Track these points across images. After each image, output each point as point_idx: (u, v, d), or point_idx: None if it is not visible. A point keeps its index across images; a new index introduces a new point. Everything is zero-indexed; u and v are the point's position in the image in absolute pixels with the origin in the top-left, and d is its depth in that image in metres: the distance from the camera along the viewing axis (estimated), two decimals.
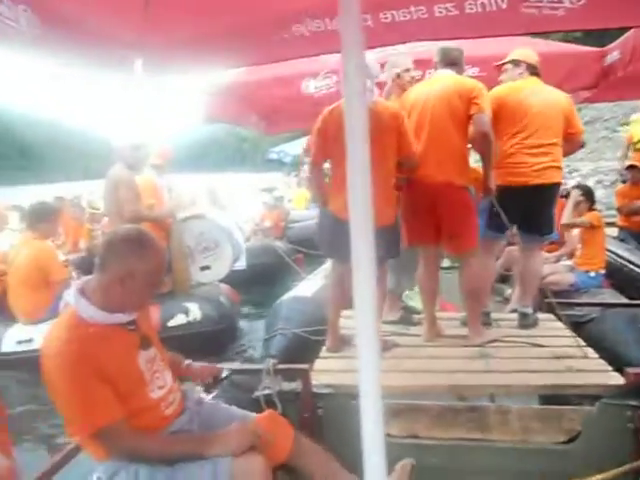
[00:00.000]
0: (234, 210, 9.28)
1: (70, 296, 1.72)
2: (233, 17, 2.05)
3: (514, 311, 3.79)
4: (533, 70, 3.55)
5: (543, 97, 3.44)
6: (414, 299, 4.14)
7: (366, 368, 1.29)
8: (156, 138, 5.39)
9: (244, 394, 2.60)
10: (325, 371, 2.96)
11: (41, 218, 4.85)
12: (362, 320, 1.29)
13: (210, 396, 2.26)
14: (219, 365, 2.29)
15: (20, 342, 4.72)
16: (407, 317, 3.79)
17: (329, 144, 3.05)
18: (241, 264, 6.06)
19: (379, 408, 1.30)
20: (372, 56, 3.20)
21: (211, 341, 4.69)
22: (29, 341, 4.64)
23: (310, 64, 3.87)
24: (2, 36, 1.54)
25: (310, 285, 4.90)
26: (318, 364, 3.08)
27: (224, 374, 2.11)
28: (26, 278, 4.72)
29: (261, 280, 7.02)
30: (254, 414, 2.05)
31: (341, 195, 3.02)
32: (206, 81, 4.48)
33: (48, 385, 1.63)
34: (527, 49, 3.61)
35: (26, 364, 4.55)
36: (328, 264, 5.36)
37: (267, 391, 2.50)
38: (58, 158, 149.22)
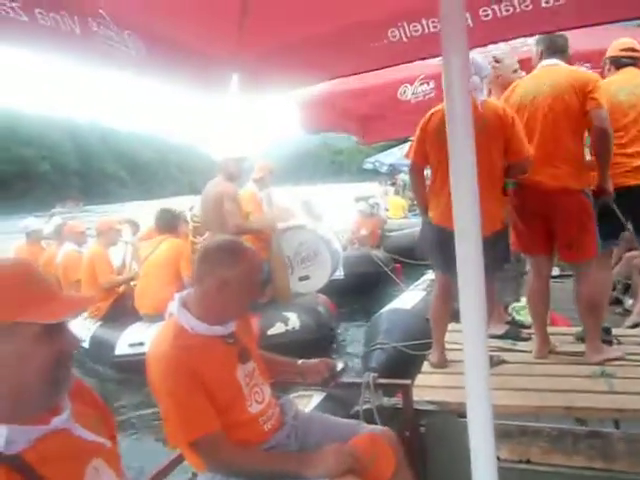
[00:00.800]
0: (330, 221, 9.33)
1: (173, 307, 1.76)
2: (327, 27, 2.03)
3: (636, 325, 3.44)
4: (618, 62, 3.27)
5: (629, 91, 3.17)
6: (521, 313, 3.89)
7: (475, 386, 1.21)
8: (256, 152, 5.55)
9: (342, 408, 2.55)
10: (428, 387, 2.83)
11: (168, 223, 5.20)
12: (470, 336, 1.21)
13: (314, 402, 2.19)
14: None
15: (132, 345, 4.99)
16: (514, 331, 3.56)
17: (427, 150, 2.96)
18: (339, 273, 6.05)
19: (490, 429, 1.20)
20: (478, 54, 3.05)
21: (309, 350, 4.73)
22: (140, 344, 4.89)
23: (406, 70, 3.79)
24: (113, 59, 1.63)
25: (411, 297, 4.79)
26: (420, 379, 2.96)
27: (338, 368, 2.06)
28: (159, 273, 4.98)
29: (358, 289, 6.97)
30: (352, 421, 1.99)
31: (440, 202, 2.93)
32: (303, 92, 4.54)
33: (153, 391, 1.68)
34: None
35: (136, 367, 4.82)
36: (430, 274, 5.23)
37: (367, 406, 2.44)
38: (165, 174, 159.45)
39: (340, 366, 2.08)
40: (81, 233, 6.10)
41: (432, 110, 3.00)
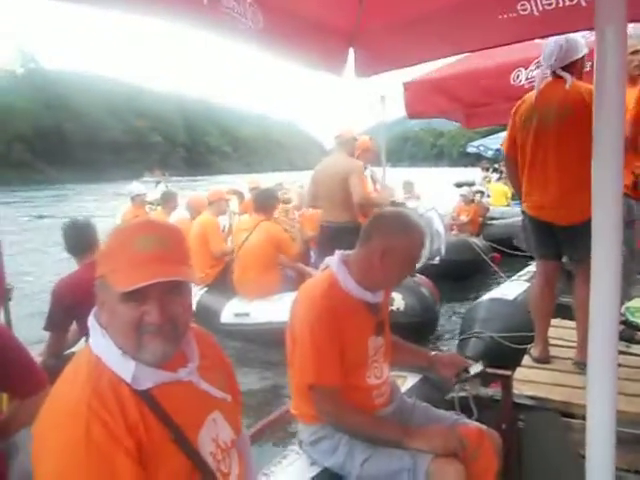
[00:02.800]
0: (429, 204, 9.15)
1: (332, 261, 1.85)
2: None
3: None
4: None
5: None
6: (636, 314, 3.61)
7: (599, 392, 1.13)
8: (358, 132, 5.53)
9: (437, 394, 2.51)
10: (528, 382, 2.72)
11: (266, 203, 5.30)
12: (599, 337, 1.12)
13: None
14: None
15: (237, 315, 5.17)
16: (629, 333, 3.32)
17: (518, 137, 2.87)
18: (438, 256, 5.91)
19: (611, 439, 1.13)
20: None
21: (412, 332, 4.72)
22: (246, 315, 5.08)
23: (521, 52, 3.60)
24: (232, 30, 1.66)
25: (513, 287, 4.59)
26: (520, 373, 2.85)
27: (472, 371, 2.03)
28: (259, 257, 5.11)
29: (454, 276, 6.80)
30: (455, 415, 1.96)
31: (533, 191, 2.85)
32: (411, 74, 4.45)
33: (293, 326, 1.80)
34: None
35: (240, 336, 5.03)
36: (533, 265, 4.99)
37: (463, 394, 2.38)
38: (266, 150, 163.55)
39: (479, 367, 2.04)
40: (223, 200, 6.32)
41: (524, 97, 2.90)
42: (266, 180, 7.43)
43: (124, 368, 1.03)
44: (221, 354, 1.32)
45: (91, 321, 1.11)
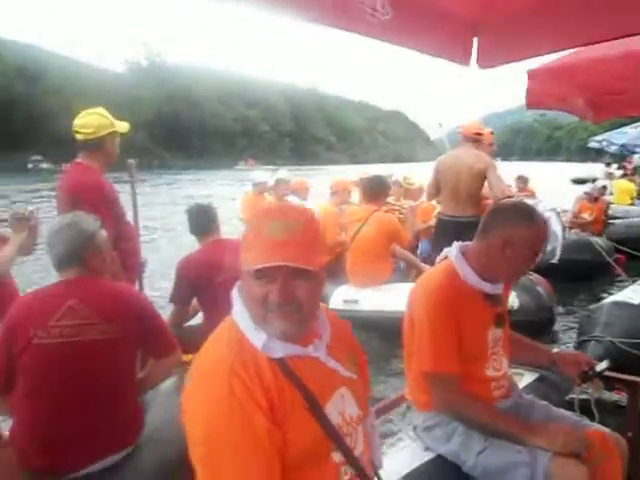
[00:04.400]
0: (545, 200, 8.66)
1: (451, 252, 1.85)
2: None
3: None
4: None
5: None
6: None
7: None
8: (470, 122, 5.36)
9: (556, 394, 2.41)
10: None
11: (377, 191, 5.25)
12: None
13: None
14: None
15: (346, 301, 5.18)
16: None
17: None
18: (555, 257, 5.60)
19: None
20: None
21: (525, 332, 4.56)
22: (355, 302, 5.09)
23: None
24: (359, 21, 1.67)
25: (638, 291, 4.26)
26: None
27: (598, 368, 1.95)
28: (372, 247, 5.08)
29: (573, 277, 6.40)
30: (575, 416, 1.88)
31: None
32: (536, 62, 4.21)
33: (412, 312, 1.82)
34: None
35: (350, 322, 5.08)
36: None
37: (584, 396, 2.27)
38: (371, 141, 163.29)
39: (603, 365, 1.95)
40: (306, 189, 6.51)
41: None
42: (376, 172, 7.36)
43: (257, 337, 1.12)
44: (355, 342, 1.37)
45: (234, 293, 1.21)
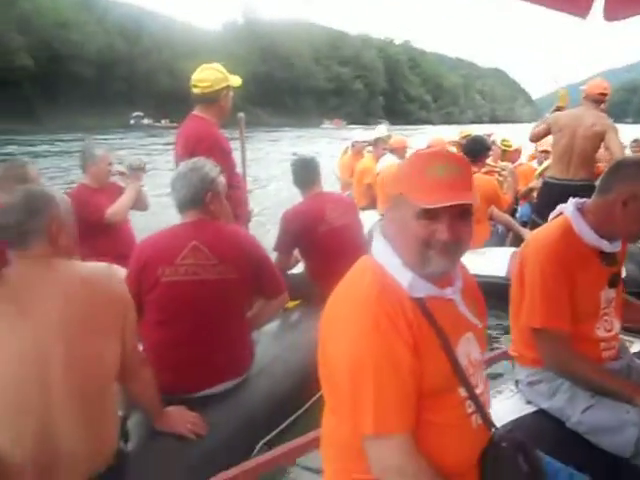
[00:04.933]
0: None
1: (567, 208, 1.82)
2: None
3: None
4: None
5: None
6: None
7: None
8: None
9: None
10: None
11: (476, 153, 5.10)
12: None
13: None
14: None
15: None
16: None
17: None
18: None
19: None
20: None
21: None
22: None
23: None
24: None
25: None
26: None
27: None
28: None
29: None
30: None
31: None
32: None
33: (524, 267, 1.79)
34: None
35: None
36: None
37: None
38: (468, 100, 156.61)
39: None
40: (404, 148, 6.47)
41: None
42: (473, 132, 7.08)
43: (402, 276, 1.18)
44: (479, 293, 1.41)
45: (376, 234, 1.27)
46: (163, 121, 54.71)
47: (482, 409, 1.25)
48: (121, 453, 1.65)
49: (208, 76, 2.93)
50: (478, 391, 1.25)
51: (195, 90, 2.95)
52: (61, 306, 1.46)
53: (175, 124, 50.95)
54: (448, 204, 1.11)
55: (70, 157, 17.38)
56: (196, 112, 2.98)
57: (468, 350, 1.25)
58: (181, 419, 1.90)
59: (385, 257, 1.21)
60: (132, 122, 53.92)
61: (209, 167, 2.20)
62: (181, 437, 1.87)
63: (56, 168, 14.56)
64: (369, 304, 1.13)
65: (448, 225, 1.14)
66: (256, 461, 1.80)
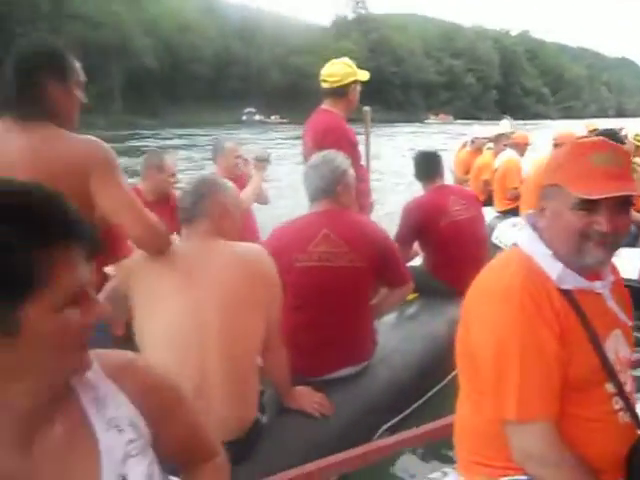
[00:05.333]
0: None
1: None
2: None
3: None
4: None
5: None
6: None
7: None
8: None
9: None
10: None
11: None
12: None
13: None
14: None
15: None
16: None
17: None
18: None
19: None
20: None
21: None
22: None
23: None
24: None
25: None
26: None
27: None
28: None
29: None
30: None
31: None
32: None
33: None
34: None
35: None
36: None
37: None
38: (592, 93, 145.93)
39: None
40: (526, 144, 6.20)
41: None
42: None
43: (551, 268, 1.17)
44: (625, 291, 1.36)
45: (526, 226, 1.27)
46: (273, 117, 56.60)
47: (630, 407, 1.20)
48: (258, 423, 1.77)
49: (337, 70, 3.02)
50: (627, 389, 1.21)
51: (324, 85, 3.05)
52: (219, 280, 1.62)
53: (285, 120, 52.69)
54: (612, 195, 1.08)
55: (188, 150, 18.58)
56: (324, 106, 3.08)
57: (616, 347, 1.21)
58: (308, 398, 2.00)
59: (534, 248, 1.20)
60: (244, 118, 56.28)
61: (340, 159, 2.27)
62: (308, 415, 1.97)
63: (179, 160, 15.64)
64: (514, 289, 1.13)
65: (608, 217, 1.11)
66: (378, 443, 1.85)
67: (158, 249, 1.65)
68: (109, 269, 2.09)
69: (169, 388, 0.94)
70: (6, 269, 0.64)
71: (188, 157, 16.14)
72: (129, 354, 0.94)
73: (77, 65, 1.67)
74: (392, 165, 13.23)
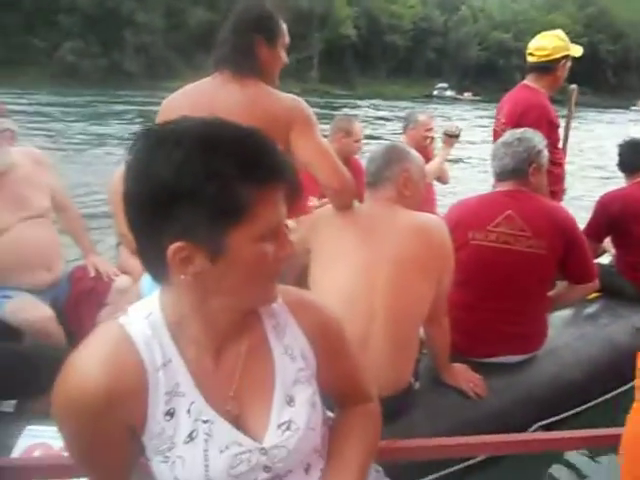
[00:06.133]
0: None
1: None
2: None
3: None
4: None
5: None
6: None
7: None
8: None
9: None
10: None
11: None
12: None
13: None
14: None
15: None
16: None
17: None
18: None
19: None
20: None
21: None
22: None
23: None
24: None
25: None
26: None
27: None
28: None
29: None
30: None
31: None
32: None
33: None
34: None
35: None
36: None
37: None
38: None
39: None
40: None
41: None
42: None
43: None
44: None
45: None
46: (466, 94, 54.40)
47: None
48: (411, 388, 1.82)
49: (547, 44, 2.82)
50: None
51: (530, 59, 2.87)
52: (396, 245, 1.67)
53: (478, 97, 50.42)
54: None
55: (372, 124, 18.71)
56: (527, 82, 2.91)
57: None
58: (464, 376, 1.99)
59: None
60: (435, 93, 54.99)
61: (538, 139, 2.15)
62: (461, 392, 1.96)
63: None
64: None
65: None
66: (528, 436, 1.77)
67: (347, 203, 1.75)
68: (290, 223, 2.27)
69: (338, 329, 1.02)
70: (224, 198, 0.73)
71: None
72: (308, 292, 1.03)
73: (285, 28, 1.82)
74: (589, 152, 12.05)
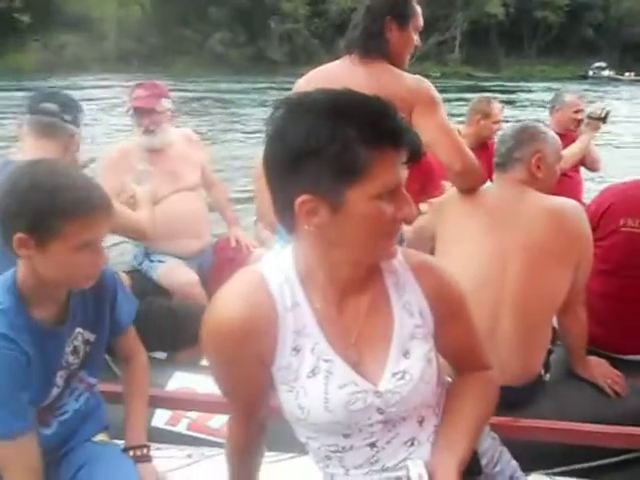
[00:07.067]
0: None
1: None
2: None
3: None
4: None
5: None
6: None
7: None
8: None
9: None
10: None
11: None
12: None
13: None
14: None
15: None
16: None
17: None
18: None
19: None
20: None
21: None
22: None
23: None
24: None
25: None
26: None
27: None
28: None
29: None
30: None
31: None
32: None
33: None
34: None
35: None
36: None
37: None
38: None
39: None
40: None
41: None
42: None
43: None
44: None
45: None
46: (627, 74, 49.12)
47: None
48: (540, 379, 1.75)
49: None
50: None
51: None
52: (528, 230, 1.62)
53: None
54: None
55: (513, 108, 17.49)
56: None
57: None
58: (601, 371, 1.86)
59: None
60: (590, 73, 50.28)
61: None
62: (596, 387, 1.84)
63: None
64: None
65: None
66: None
67: (473, 185, 1.72)
68: (423, 206, 2.26)
69: (458, 294, 1.04)
70: (345, 157, 0.80)
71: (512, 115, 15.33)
72: (430, 257, 1.09)
73: (418, 11, 1.83)
74: None
